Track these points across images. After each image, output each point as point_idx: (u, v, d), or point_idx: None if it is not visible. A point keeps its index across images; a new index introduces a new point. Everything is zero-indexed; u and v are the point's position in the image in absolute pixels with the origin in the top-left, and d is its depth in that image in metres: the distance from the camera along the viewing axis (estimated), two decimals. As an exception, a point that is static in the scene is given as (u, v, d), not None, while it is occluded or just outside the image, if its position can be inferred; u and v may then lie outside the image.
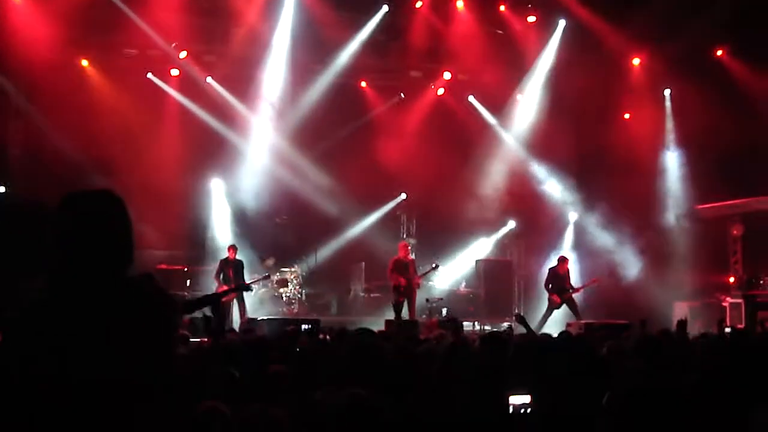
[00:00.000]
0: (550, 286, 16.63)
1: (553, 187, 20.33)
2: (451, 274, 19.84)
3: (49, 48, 15.82)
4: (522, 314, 12.17)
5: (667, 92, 19.84)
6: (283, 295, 18.06)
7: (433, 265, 17.20)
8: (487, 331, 15.39)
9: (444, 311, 18.33)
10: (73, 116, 16.35)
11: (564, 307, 16.59)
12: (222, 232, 18.86)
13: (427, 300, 17.33)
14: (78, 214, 2.79)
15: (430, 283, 18.81)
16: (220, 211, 19.04)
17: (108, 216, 2.82)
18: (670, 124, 19.95)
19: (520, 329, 10.23)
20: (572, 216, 20.44)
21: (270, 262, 18.13)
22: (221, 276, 15.75)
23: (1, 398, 2.57)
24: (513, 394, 4.63)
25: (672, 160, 19.70)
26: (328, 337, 9.57)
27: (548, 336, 7.35)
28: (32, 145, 16.81)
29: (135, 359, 2.61)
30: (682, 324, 9.49)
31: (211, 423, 3.48)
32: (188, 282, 17.20)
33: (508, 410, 4.58)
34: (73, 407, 2.53)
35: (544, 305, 16.78)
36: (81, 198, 2.84)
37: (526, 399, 4.62)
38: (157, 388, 2.63)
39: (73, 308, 2.64)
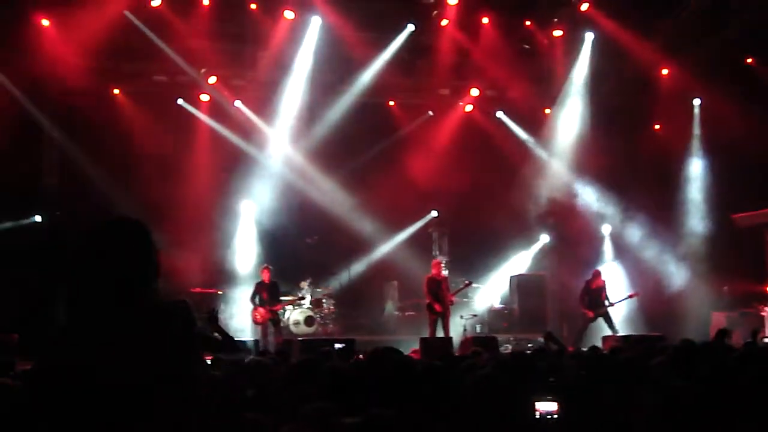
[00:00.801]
0: (584, 300, 16.55)
1: (588, 199, 20.22)
2: (485, 290, 19.78)
3: (81, 77, 16.09)
4: (550, 330, 12.09)
5: (696, 102, 19.68)
6: (318, 315, 18.09)
7: (466, 282, 17.18)
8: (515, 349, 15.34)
9: (478, 328, 18.31)
10: (106, 144, 16.63)
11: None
12: (255, 255, 18.98)
13: (461, 317, 17.29)
14: (98, 245, 2.86)
15: (465, 299, 18.76)
16: (252, 234, 19.15)
17: (127, 245, 2.88)
18: (697, 132, 19.80)
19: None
20: (606, 228, 20.31)
21: (304, 283, 18.19)
22: (256, 299, 15.86)
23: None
24: (540, 401, 4.64)
25: (700, 169, 19.54)
26: (361, 356, 9.56)
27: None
28: (67, 174, 17.10)
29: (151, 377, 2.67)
30: (722, 333, 9.33)
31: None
32: (222, 305, 17.27)
33: (535, 417, 4.60)
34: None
35: (581, 319, 16.69)
36: (101, 230, 2.91)
37: (553, 406, 4.63)
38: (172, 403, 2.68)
39: (89, 335, 2.70)
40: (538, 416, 4.60)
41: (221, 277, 18.28)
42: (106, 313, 2.76)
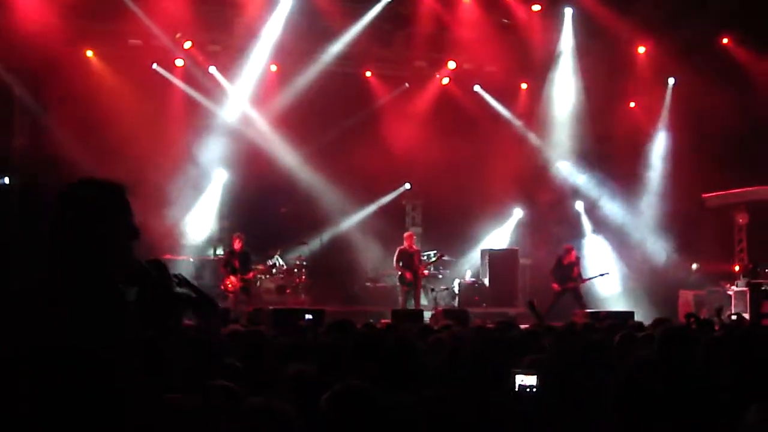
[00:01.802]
0: (555, 275, 16.63)
1: (562, 174, 20.32)
2: (457, 263, 19.85)
3: (53, 40, 15.77)
4: (532, 300, 12.05)
5: (671, 81, 19.76)
6: (290, 284, 18.08)
7: (438, 254, 17.22)
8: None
9: (449, 300, 18.39)
10: (77, 107, 16.37)
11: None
12: (226, 223, 18.95)
13: (432, 290, 17.36)
14: (77, 203, 2.83)
15: (438, 272, 18.84)
16: (224, 202, 19.08)
17: (107, 204, 2.85)
18: (666, 111, 19.89)
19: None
20: (579, 204, 20.45)
21: (276, 251, 18.16)
22: (228, 267, 15.84)
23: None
24: (520, 374, 4.68)
25: (670, 148, 19.68)
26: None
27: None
28: (36, 137, 16.85)
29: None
30: (689, 316, 9.33)
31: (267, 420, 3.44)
32: (194, 272, 17.21)
33: (515, 389, 4.64)
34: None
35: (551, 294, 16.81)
36: (80, 188, 2.87)
37: (532, 379, 4.67)
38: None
39: (69, 294, 2.68)
40: (517, 389, 4.64)
41: (193, 243, 18.23)
42: (82, 273, 2.74)
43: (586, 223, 20.41)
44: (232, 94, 18.73)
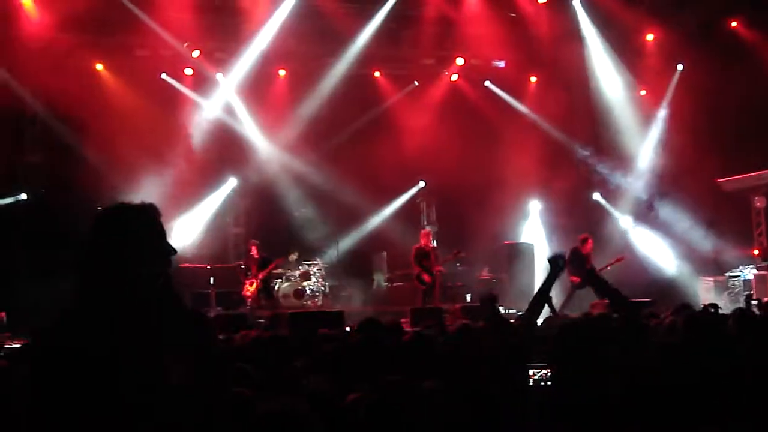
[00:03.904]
0: (572, 266, 16.38)
1: (578, 165, 20.25)
2: (474, 259, 19.77)
3: (63, 53, 15.88)
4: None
5: (679, 67, 19.61)
6: (307, 288, 18.11)
7: (455, 251, 17.17)
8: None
9: (467, 297, 18.34)
10: (89, 120, 16.44)
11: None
12: (242, 230, 19.03)
13: (449, 286, 17.33)
14: (113, 227, 2.88)
15: (457, 268, 18.82)
16: (237, 209, 19.16)
17: (142, 228, 2.89)
18: (669, 97, 19.78)
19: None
20: (596, 195, 20.39)
21: (293, 256, 18.20)
22: (246, 273, 15.97)
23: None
24: (533, 367, 4.66)
25: (681, 133, 19.54)
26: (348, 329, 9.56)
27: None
28: (50, 152, 16.94)
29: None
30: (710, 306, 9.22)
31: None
32: (212, 280, 17.28)
33: (529, 382, 4.62)
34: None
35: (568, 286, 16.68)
36: (115, 212, 2.92)
37: (546, 371, 4.65)
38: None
39: (102, 319, 2.70)
40: (531, 383, 4.62)
41: (211, 251, 18.31)
42: (114, 298, 2.76)
43: (614, 214, 20.25)
44: (240, 101, 18.77)
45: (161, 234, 2.94)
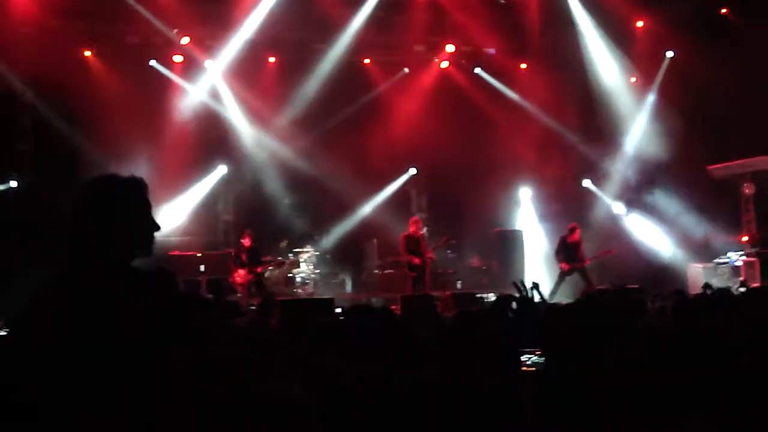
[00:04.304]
0: (560, 254, 16.51)
1: (567, 153, 20.27)
2: (464, 246, 19.78)
3: (52, 40, 15.81)
4: (536, 283, 11.92)
5: (669, 54, 19.61)
6: (298, 275, 18.12)
7: (445, 238, 17.17)
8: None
9: (458, 284, 18.38)
10: (79, 107, 16.36)
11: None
12: (234, 217, 19.02)
13: (440, 273, 17.34)
14: (98, 199, 2.86)
15: (447, 255, 18.83)
16: (227, 196, 19.14)
17: (128, 200, 2.88)
18: (657, 84, 19.80)
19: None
20: (587, 182, 20.42)
21: (283, 243, 18.19)
22: (236, 261, 15.95)
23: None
24: (525, 353, 4.67)
25: (671, 120, 19.55)
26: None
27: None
28: (41, 139, 16.87)
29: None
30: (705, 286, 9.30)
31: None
32: (202, 267, 17.25)
33: (521, 368, 4.64)
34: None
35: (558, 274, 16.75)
36: (100, 184, 2.90)
37: (537, 359, 4.67)
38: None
39: (80, 296, 2.68)
40: (524, 369, 4.64)
41: (201, 239, 18.29)
42: (104, 268, 2.75)
43: (605, 200, 20.31)
44: (229, 88, 18.71)
45: (148, 208, 2.93)
